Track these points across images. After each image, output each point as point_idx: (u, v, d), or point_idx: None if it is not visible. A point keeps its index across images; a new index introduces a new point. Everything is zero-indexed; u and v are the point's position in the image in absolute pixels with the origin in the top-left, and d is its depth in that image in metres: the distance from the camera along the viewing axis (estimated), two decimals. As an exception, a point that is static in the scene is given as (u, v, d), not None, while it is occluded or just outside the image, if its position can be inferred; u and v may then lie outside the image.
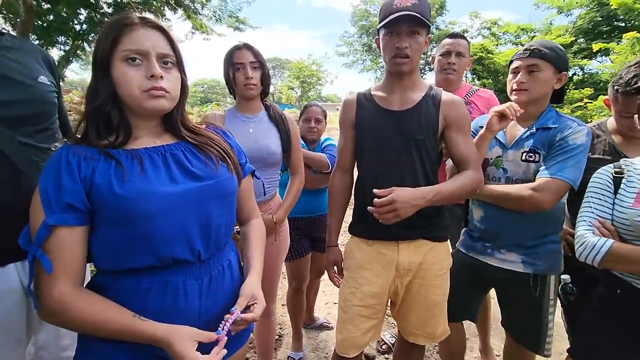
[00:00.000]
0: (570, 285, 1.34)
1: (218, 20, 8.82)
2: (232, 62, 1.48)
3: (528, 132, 1.33)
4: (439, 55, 1.94)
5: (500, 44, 15.37)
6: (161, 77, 0.77)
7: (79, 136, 0.80)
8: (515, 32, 15.04)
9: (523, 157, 1.32)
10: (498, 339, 2.29)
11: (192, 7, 7.83)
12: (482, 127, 1.44)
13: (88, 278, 0.86)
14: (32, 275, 0.73)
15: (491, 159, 1.39)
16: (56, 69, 1.14)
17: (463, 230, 1.57)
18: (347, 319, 1.32)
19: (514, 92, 1.33)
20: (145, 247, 0.74)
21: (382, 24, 1.22)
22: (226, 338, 0.76)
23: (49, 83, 1.05)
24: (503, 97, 1.93)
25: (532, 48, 1.29)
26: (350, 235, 1.40)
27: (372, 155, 1.29)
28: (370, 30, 18.32)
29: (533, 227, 1.32)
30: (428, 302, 1.31)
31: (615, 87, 1.28)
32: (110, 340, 0.73)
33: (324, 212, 1.99)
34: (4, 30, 1.02)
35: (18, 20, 4.95)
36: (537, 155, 1.30)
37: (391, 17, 1.18)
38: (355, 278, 1.31)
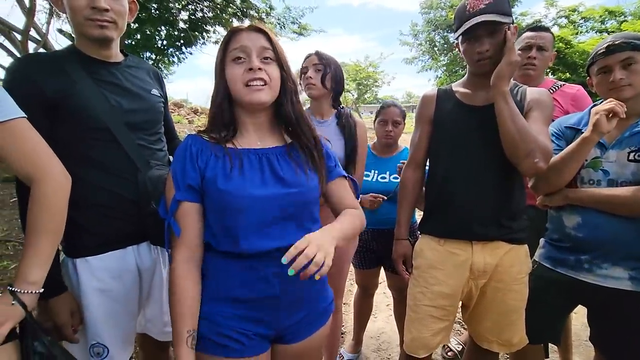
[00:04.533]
0: None
1: (282, 27, 9.21)
2: (302, 67, 1.62)
3: (633, 130, 1.20)
4: (518, 50, 1.81)
5: (581, 32, 13.73)
6: (259, 69, 0.87)
7: (203, 128, 0.96)
8: (601, 16, 13.31)
9: (631, 157, 1.19)
10: (581, 357, 2.09)
11: (258, 16, 8.27)
12: (569, 127, 1.34)
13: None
14: (168, 238, 0.91)
15: (586, 160, 1.26)
16: (162, 81, 1.32)
17: (543, 241, 1.44)
18: (416, 318, 1.33)
19: (613, 90, 1.22)
20: (233, 236, 0.87)
21: (458, 33, 1.21)
22: None
23: (158, 95, 1.24)
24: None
25: (617, 43, 1.19)
26: (421, 234, 1.40)
27: (450, 151, 1.28)
28: (437, 24, 17.67)
29: None
30: (505, 307, 1.27)
31: None
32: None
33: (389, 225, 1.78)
34: (126, 52, 1.22)
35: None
36: None
37: (465, 25, 1.17)
38: (426, 278, 1.31)
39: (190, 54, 9.09)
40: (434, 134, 1.35)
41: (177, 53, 9.06)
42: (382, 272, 2.06)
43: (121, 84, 1.12)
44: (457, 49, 1.32)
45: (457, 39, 1.27)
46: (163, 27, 8.20)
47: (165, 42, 8.40)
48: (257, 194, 0.87)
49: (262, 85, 0.88)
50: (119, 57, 1.16)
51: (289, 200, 0.90)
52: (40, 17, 5.60)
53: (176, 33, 8.33)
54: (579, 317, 2.16)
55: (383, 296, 2.81)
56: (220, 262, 0.91)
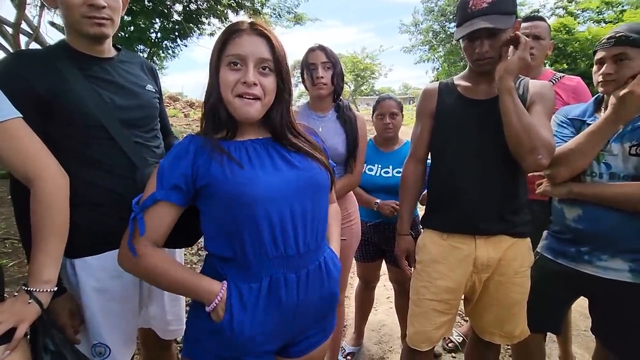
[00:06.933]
0: None
1: (278, 17, 9.12)
2: (306, 63, 1.55)
3: (635, 124, 1.18)
4: None
5: (579, 23, 13.68)
6: (255, 84, 0.81)
7: (201, 129, 0.90)
8: (598, 7, 13.27)
9: (632, 151, 1.18)
10: (581, 348, 2.11)
11: (253, 7, 8.16)
12: (574, 118, 1.32)
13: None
14: (131, 230, 0.83)
15: None
16: (157, 76, 1.29)
17: (545, 233, 1.44)
18: (419, 312, 1.33)
19: (600, 83, 1.22)
20: (251, 232, 0.81)
21: (458, 35, 1.18)
22: None
23: (153, 90, 1.21)
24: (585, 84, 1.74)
25: (617, 35, 1.17)
26: (423, 229, 1.39)
27: (453, 145, 1.26)
28: (439, 13, 17.65)
29: None
30: (507, 301, 1.27)
31: None
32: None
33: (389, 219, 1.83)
34: (119, 47, 1.18)
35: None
36: None
37: (465, 28, 1.14)
38: (429, 272, 1.31)
39: (185, 46, 8.96)
40: (436, 128, 1.33)
41: (172, 46, 8.93)
42: (382, 264, 2.07)
43: (114, 80, 1.09)
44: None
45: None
46: (157, 20, 8.05)
47: (159, 35, 8.27)
48: (271, 178, 0.82)
49: (254, 100, 0.82)
50: (112, 52, 1.13)
51: (303, 183, 0.85)
52: (32, 10, 5.50)
53: (170, 25, 8.19)
54: (576, 306, 2.17)
55: (383, 289, 2.82)
56: (233, 273, 0.85)
